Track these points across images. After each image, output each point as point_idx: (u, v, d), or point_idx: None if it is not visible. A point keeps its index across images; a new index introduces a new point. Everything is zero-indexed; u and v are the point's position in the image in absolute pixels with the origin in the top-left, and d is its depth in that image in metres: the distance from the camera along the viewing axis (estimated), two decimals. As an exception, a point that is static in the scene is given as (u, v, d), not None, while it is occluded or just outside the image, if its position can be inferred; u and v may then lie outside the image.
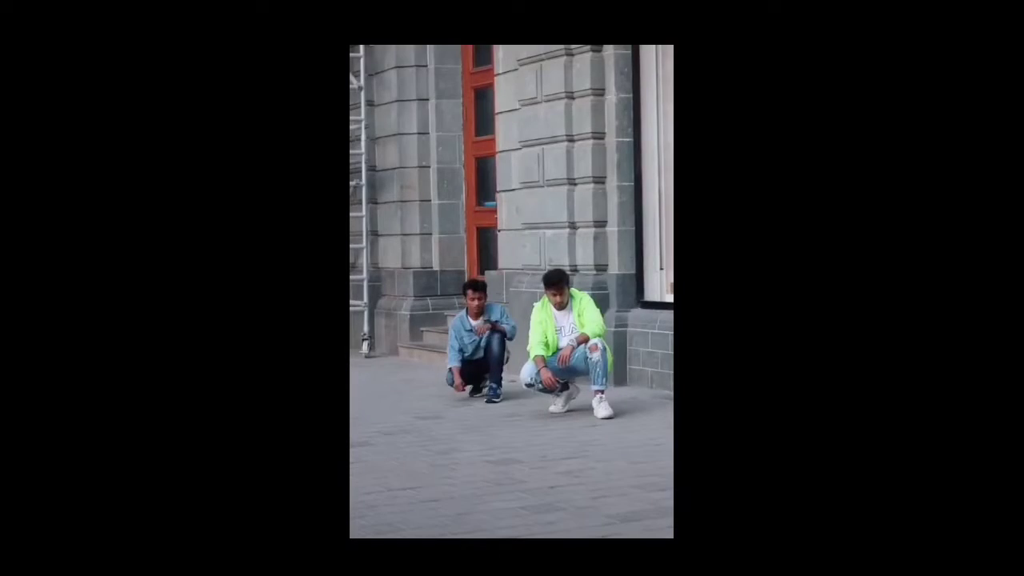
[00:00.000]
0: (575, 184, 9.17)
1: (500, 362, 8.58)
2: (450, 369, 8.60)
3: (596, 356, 7.49)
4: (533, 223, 9.62)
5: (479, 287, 8.86)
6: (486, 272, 10.76)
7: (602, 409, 7.45)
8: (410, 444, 6.81)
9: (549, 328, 7.69)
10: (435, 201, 11.78)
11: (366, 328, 11.85)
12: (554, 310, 7.74)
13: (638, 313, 8.82)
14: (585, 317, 7.66)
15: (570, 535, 4.58)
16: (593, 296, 8.02)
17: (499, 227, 10.51)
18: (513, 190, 9.98)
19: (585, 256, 9.08)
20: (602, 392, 7.54)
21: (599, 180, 9.03)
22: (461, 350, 8.58)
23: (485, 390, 8.57)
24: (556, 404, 7.74)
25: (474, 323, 8.64)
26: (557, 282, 7.74)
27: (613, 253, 8.88)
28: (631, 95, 8.89)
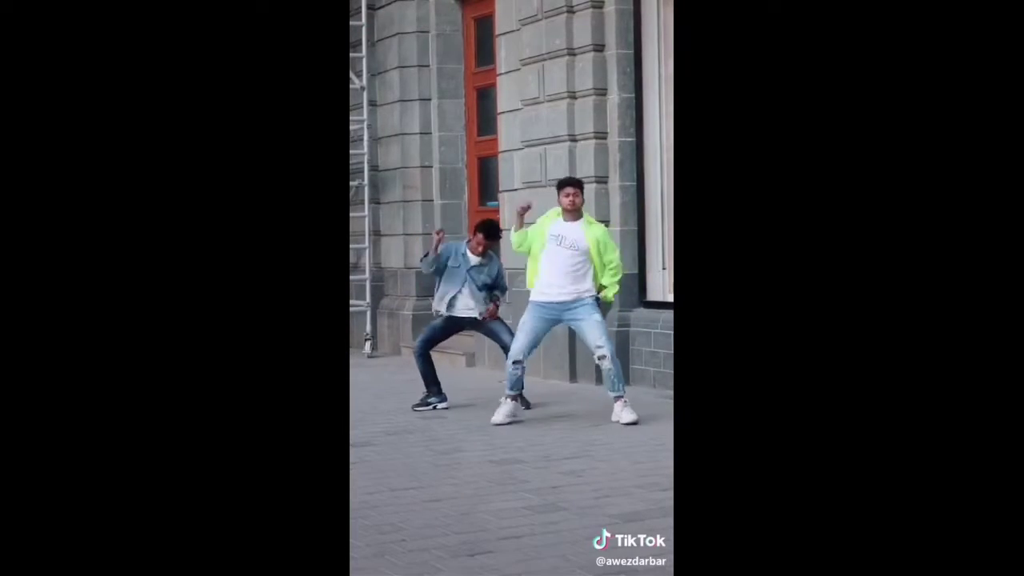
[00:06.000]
0: (577, 184, 9.17)
1: (430, 371, 8.12)
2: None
3: (606, 364, 7.27)
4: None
5: (479, 229, 8.22)
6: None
7: (626, 414, 7.18)
8: (413, 444, 6.82)
9: (537, 239, 7.36)
10: (437, 201, 11.77)
11: (369, 328, 11.85)
12: (561, 220, 7.33)
13: (641, 313, 8.82)
14: (602, 249, 7.30)
15: (573, 535, 4.58)
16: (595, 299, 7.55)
17: (502, 227, 10.51)
18: (515, 190, 9.98)
19: (588, 256, 9.08)
20: (622, 398, 7.30)
21: (601, 180, 9.03)
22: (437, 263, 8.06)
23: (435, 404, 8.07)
24: (497, 415, 7.36)
25: (472, 257, 8.04)
26: (574, 182, 7.49)
27: (616, 253, 8.90)
28: (633, 95, 8.89)
